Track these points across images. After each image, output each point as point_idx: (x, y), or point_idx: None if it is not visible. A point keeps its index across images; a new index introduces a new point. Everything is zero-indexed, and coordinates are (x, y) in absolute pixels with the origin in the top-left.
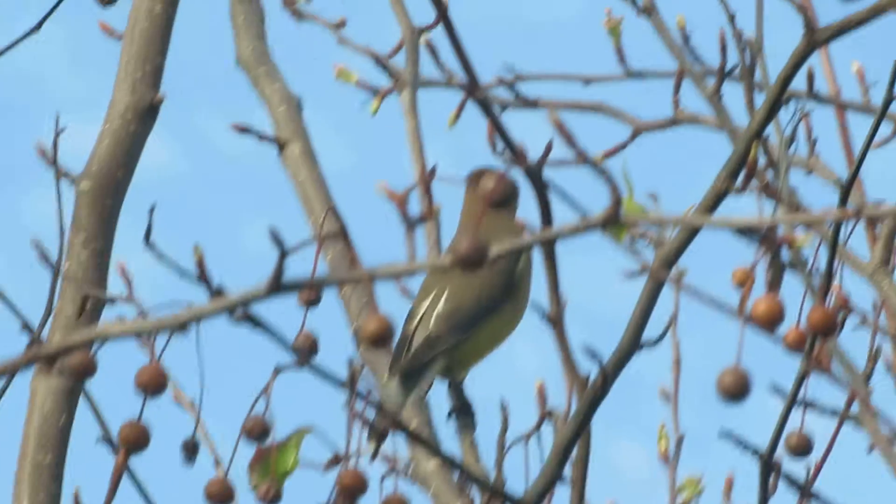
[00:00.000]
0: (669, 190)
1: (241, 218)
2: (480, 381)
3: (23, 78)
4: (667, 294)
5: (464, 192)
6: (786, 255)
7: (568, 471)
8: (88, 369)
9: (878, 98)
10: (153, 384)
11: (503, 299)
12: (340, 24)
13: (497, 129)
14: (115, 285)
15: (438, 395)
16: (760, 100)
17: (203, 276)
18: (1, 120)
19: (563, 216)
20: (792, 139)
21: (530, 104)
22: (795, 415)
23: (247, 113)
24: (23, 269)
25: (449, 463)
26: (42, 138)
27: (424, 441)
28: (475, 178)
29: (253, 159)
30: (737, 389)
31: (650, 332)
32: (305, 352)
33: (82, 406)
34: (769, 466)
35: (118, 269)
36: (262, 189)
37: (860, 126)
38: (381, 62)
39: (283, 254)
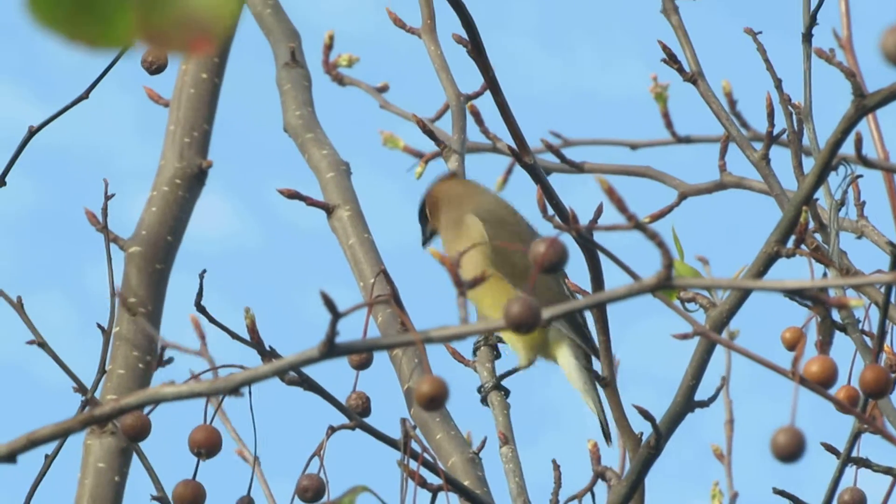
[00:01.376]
0: (715, 252)
1: (308, 284)
2: (535, 441)
3: (95, 148)
4: (719, 354)
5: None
6: (836, 315)
7: None
8: (142, 431)
9: None
10: (207, 443)
11: None
12: (383, 89)
13: (547, 193)
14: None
15: (492, 456)
16: (808, 164)
17: (255, 340)
18: (72, 189)
19: (612, 279)
20: (842, 203)
21: (577, 168)
22: (849, 473)
23: (303, 179)
24: (84, 331)
25: None
26: (90, 204)
27: (479, 500)
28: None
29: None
30: (791, 449)
31: (703, 392)
32: (359, 411)
33: (137, 464)
34: None
35: (192, 323)
36: (321, 254)
37: None
38: (427, 128)
39: (336, 317)
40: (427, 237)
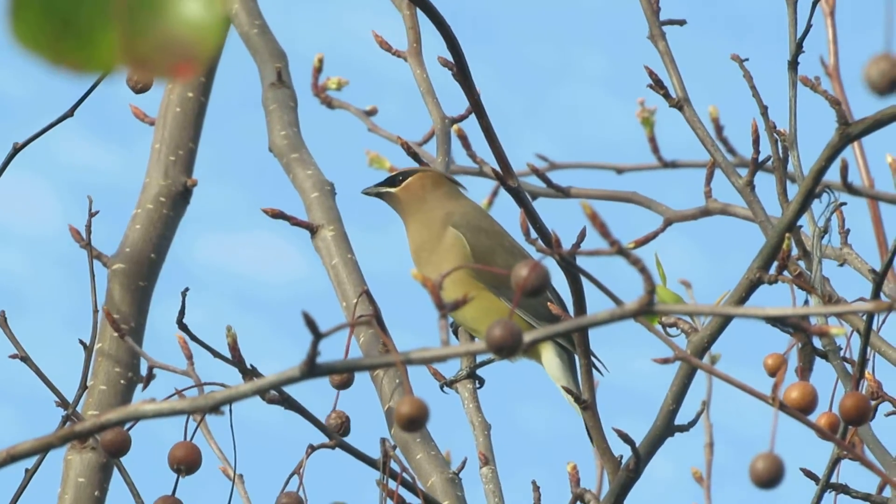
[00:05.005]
0: (699, 277)
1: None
2: (516, 464)
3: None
4: (699, 379)
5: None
6: (818, 342)
7: None
8: (123, 446)
9: None
10: (186, 460)
11: None
12: (371, 112)
13: (530, 216)
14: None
15: (472, 476)
16: (792, 191)
17: (237, 358)
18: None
19: (595, 304)
20: (825, 230)
21: (563, 193)
22: (828, 499)
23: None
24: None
25: None
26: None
27: None
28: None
29: None
30: (770, 475)
31: (683, 416)
32: (338, 430)
33: (117, 479)
34: None
35: (179, 342)
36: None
37: (893, 217)
38: (411, 150)
39: (317, 337)
40: (377, 194)
